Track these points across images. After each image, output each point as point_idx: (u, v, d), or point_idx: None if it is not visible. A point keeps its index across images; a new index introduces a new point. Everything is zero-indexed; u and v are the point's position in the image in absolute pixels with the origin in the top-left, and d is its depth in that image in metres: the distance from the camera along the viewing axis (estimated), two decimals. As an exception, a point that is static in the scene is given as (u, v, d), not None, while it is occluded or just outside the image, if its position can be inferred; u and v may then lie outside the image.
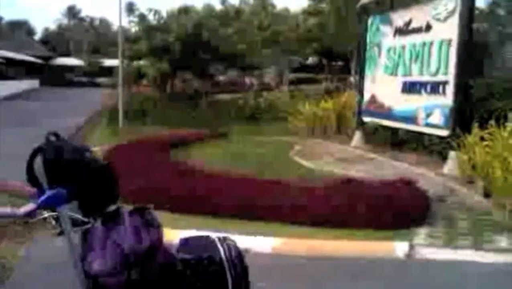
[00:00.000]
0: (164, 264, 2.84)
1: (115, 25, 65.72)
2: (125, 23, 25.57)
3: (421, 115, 9.41)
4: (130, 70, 19.67)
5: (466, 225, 5.74)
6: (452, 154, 8.32)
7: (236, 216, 5.68)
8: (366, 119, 11.71)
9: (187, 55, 18.99)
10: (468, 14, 8.56)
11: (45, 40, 66.59)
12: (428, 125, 9.23)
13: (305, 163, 9.49)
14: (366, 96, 11.83)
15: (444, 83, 8.76)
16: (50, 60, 52.59)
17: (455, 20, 8.59)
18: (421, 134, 9.65)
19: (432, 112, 9.09)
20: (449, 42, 8.67)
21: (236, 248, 2.94)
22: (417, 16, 9.78)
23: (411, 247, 4.95)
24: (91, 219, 2.67)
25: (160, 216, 5.82)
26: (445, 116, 8.73)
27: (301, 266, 4.61)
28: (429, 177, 8.02)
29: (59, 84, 44.23)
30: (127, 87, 19.65)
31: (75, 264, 2.74)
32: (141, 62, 19.60)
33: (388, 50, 10.89)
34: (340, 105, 14.35)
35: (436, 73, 9.03)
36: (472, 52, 8.96)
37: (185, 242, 3.00)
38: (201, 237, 3.08)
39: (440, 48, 8.94)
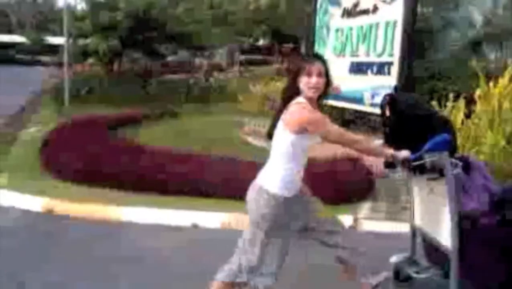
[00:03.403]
0: None
1: (60, 1, 63.31)
2: (70, -1, 24.70)
3: (367, 95, 9.64)
4: (76, 48, 19.01)
5: (407, 199, 5.97)
6: (395, 133, 8.60)
7: (185, 193, 5.70)
8: (315, 99, 11.86)
9: (135, 33, 18.57)
10: (413, -3, 8.80)
11: (-16, 15, 63.32)
12: (373, 105, 9.47)
13: (253, 141, 9.58)
14: (315, 77, 11.97)
15: (389, 64, 8.99)
16: (-11, 37, 50.21)
17: (400, 3, 8.80)
18: (367, 114, 9.90)
19: (378, 92, 9.32)
20: (395, 24, 8.89)
21: None
22: (364, -3, 9.95)
23: (355, 220, 5.14)
24: (457, 164, 2.98)
25: (107, 194, 5.81)
26: (390, 96, 8.98)
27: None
28: (374, 155, 8.26)
29: (0, 61, 42.37)
30: (73, 65, 19.04)
31: (451, 204, 2.92)
32: (88, 40, 18.98)
33: (336, 31, 11.04)
34: (289, 85, 14.45)
35: (382, 54, 9.25)
36: (416, 34, 9.24)
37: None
38: None
39: (386, 29, 9.15)
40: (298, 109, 2.60)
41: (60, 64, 19.19)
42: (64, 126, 9.06)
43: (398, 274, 3.65)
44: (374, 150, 2.83)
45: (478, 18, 15.05)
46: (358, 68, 10.08)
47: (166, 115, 12.71)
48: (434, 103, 8.02)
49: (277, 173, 2.70)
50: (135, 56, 21.54)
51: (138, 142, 8.15)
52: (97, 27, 18.21)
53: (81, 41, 19.32)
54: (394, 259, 3.64)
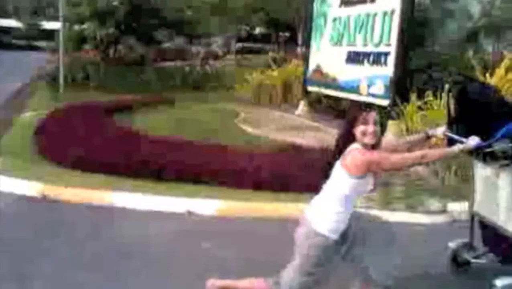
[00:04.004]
0: None
1: (56, -13, 62.60)
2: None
3: (364, 85, 9.64)
4: (72, 34, 18.86)
5: (402, 189, 6.01)
6: (390, 123, 8.61)
7: (180, 180, 5.70)
8: (311, 88, 11.87)
9: (132, 20, 18.46)
10: (411, -13, 8.78)
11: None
12: (370, 95, 9.48)
13: (250, 130, 9.58)
14: (312, 66, 11.97)
15: (386, 54, 8.99)
16: (-15, 22, 49.75)
17: (398, -8, 8.78)
18: (363, 103, 9.89)
19: (375, 82, 9.33)
20: (392, 14, 8.87)
21: None
22: (362, -13, 9.91)
23: (349, 209, 5.16)
24: None
25: (102, 180, 5.80)
26: (386, 86, 8.98)
27: (244, 227, 4.72)
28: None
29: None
30: (69, 51, 18.90)
31: None
32: (84, 26, 18.83)
33: (334, 20, 11.02)
34: (286, 74, 14.45)
35: (379, 44, 9.24)
36: (413, 25, 9.22)
37: None
38: None
39: (383, 19, 9.13)
40: (357, 153, 2.69)
41: (56, 50, 19.05)
42: (59, 112, 9.04)
43: (456, 259, 3.70)
44: (441, 155, 2.96)
45: (476, 9, 15.04)
46: (354, 58, 10.08)
47: (162, 102, 12.68)
48: (429, 93, 8.03)
49: (330, 216, 2.77)
50: (131, 43, 21.41)
51: (133, 128, 8.15)
52: (94, 13, 18.07)
53: (77, 27, 19.16)
54: (452, 244, 3.69)
